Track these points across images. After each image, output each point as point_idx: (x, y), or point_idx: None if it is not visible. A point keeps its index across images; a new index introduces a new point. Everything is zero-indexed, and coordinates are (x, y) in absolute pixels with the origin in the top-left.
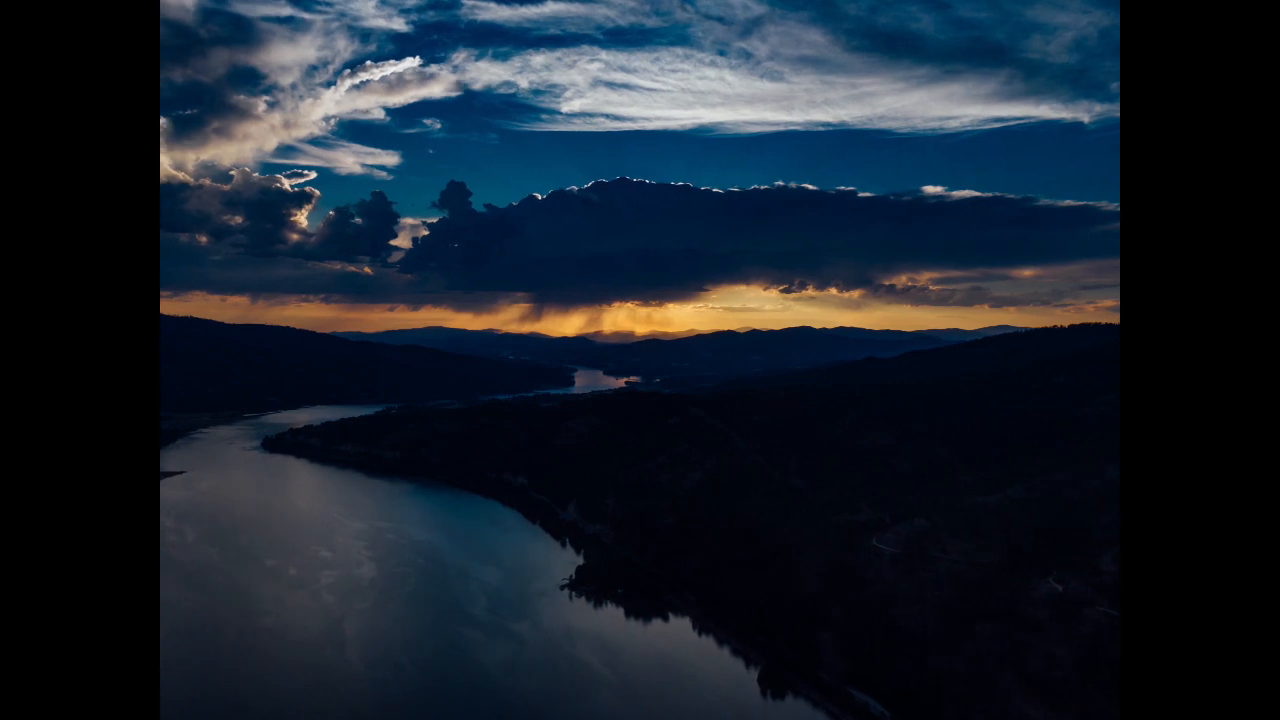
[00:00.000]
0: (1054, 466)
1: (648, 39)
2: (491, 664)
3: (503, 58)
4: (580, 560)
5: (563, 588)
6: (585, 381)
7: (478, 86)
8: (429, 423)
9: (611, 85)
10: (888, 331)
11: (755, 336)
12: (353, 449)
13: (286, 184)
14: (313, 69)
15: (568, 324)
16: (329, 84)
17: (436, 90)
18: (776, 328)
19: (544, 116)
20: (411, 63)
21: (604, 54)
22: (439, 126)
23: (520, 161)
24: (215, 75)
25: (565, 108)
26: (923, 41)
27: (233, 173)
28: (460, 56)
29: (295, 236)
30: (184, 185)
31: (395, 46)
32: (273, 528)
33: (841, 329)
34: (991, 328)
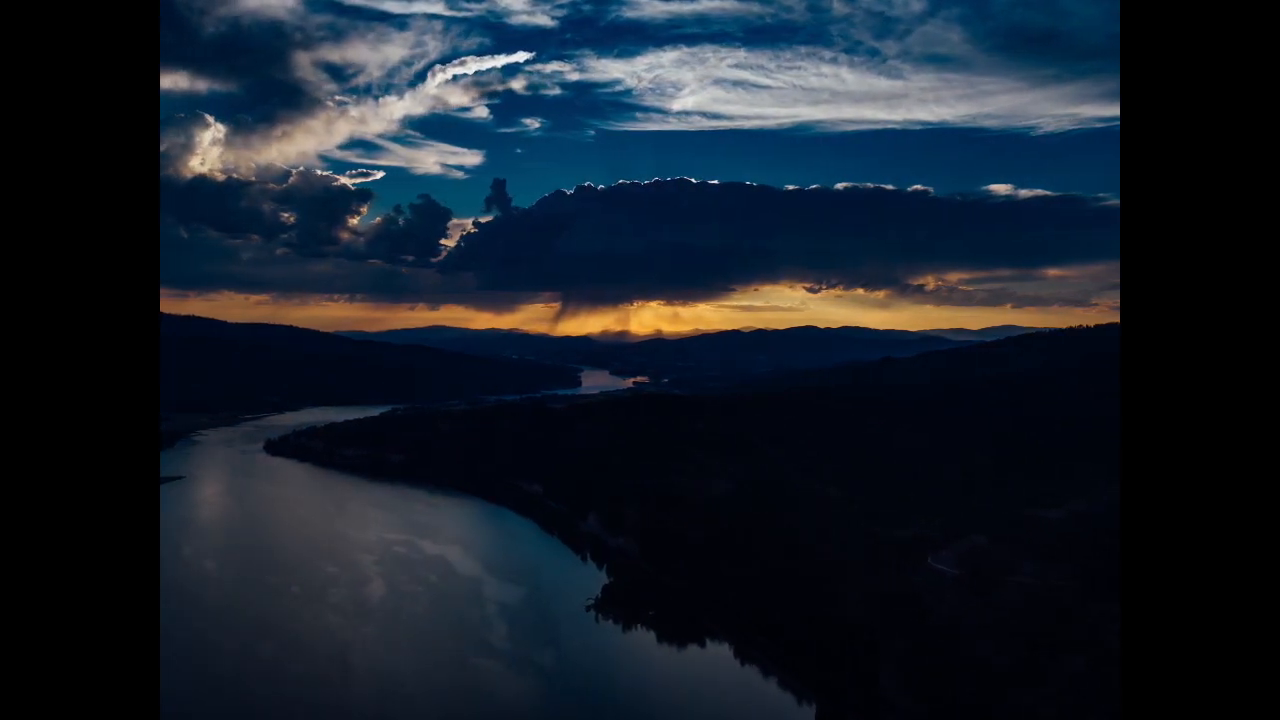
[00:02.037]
0: (1110, 478)
1: (784, 36)
2: (514, 701)
3: (629, 54)
4: (605, 578)
5: (589, 609)
6: (592, 381)
7: (591, 84)
8: (435, 424)
9: (722, 83)
10: (892, 331)
11: (760, 335)
12: (356, 452)
13: (348, 183)
14: (394, 69)
15: (591, 323)
16: (413, 82)
17: (542, 87)
18: (782, 327)
19: (639, 115)
20: (517, 58)
21: (739, 52)
22: (537, 125)
23: (607, 162)
24: (296, 75)
25: (676, 105)
26: (1065, 38)
27: (291, 171)
28: (582, 53)
29: (345, 236)
30: (243, 183)
31: (494, 41)
32: (275, 540)
33: (846, 328)
34: (998, 327)
